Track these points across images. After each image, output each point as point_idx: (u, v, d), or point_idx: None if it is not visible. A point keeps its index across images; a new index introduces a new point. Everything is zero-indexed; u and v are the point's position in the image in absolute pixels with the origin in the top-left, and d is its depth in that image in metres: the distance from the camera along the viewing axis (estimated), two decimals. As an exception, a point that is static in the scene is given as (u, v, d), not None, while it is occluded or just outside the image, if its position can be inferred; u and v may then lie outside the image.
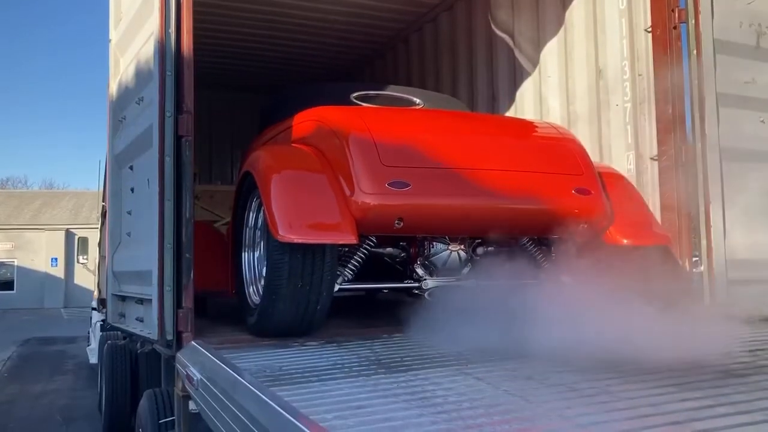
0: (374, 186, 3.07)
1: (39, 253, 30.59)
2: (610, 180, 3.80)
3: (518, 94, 5.63)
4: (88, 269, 16.17)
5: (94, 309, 11.23)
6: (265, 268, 3.25)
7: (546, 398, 2.00)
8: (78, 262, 16.65)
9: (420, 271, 3.44)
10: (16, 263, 30.44)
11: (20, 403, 9.14)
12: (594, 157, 4.77)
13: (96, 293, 11.07)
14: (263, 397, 1.72)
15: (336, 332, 3.39)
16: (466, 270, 3.50)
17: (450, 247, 3.45)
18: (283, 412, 1.60)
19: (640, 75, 4.44)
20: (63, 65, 71.94)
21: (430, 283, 3.39)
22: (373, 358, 2.71)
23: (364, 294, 4.73)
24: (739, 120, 4.26)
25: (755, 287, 4.06)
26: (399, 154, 3.21)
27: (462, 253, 3.48)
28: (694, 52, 4.09)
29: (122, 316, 4.20)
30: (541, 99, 5.38)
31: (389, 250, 3.48)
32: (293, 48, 7.88)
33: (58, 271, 30.50)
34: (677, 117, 4.11)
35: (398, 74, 7.62)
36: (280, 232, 2.97)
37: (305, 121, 3.70)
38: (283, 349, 2.94)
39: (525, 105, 5.55)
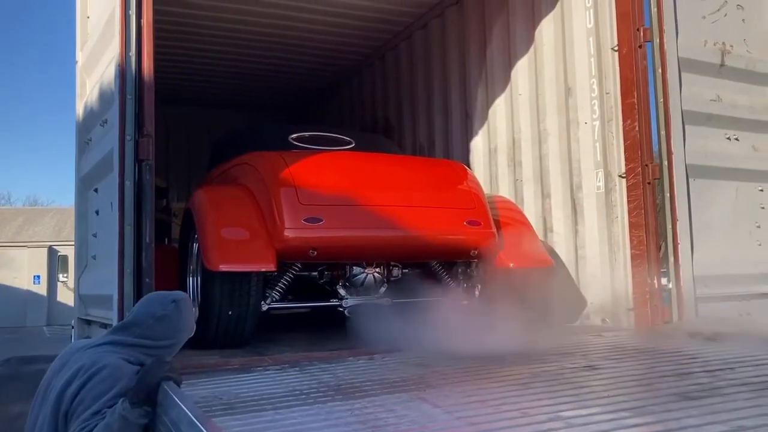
0: (292, 221, 3.56)
1: (21, 270, 30.17)
2: (504, 211, 4.42)
3: (491, 111, 5.64)
4: (68, 288, 16.03)
5: (74, 328, 11.09)
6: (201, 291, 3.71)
7: (497, 426, 1.98)
8: (58, 280, 16.55)
9: (342, 291, 3.89)
10: (-3, 281, 29.97)
11: (-4, 425, 8.98)
12: (564, 175, 4.84)
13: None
14: (203, 429, 1.70)
15: (303, 356, 3.37)
16: (382, 290, 3.95)
17: (367, 270, 3.89)
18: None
19: (607, 93, 4.46)
20: (50, 78, 71.56)
21: (350, 301, 3.86)
22: (332, 383, 2.68)
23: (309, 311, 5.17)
24: (705, 137, 4.30)
25: (723, 304, 4.09)
26: (315, 193, 3.70)
27: (377, 275, 3.92)
28: (659, 70, 4.13)
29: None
30: (512, 116, 5.39)
31: (314, 273, 3.91)
32: (270, 66, 7.90)
33: (41, 289, 30.04)
34: (644, 135, 4.12)
35: (375, 92, 7.64)
36: (211, 263, 3.43)
37: (239, 165, 4.23)
38: (245, 374, 2.91)
39: (497, 122, 5.56)
